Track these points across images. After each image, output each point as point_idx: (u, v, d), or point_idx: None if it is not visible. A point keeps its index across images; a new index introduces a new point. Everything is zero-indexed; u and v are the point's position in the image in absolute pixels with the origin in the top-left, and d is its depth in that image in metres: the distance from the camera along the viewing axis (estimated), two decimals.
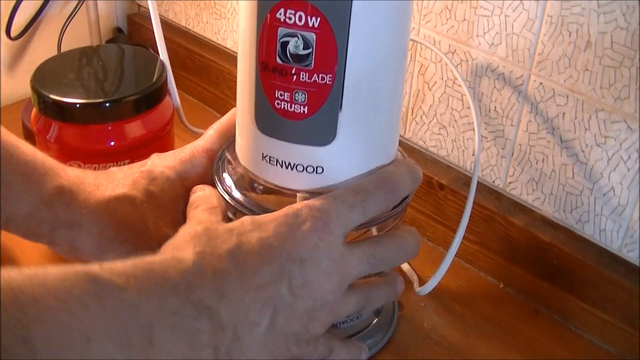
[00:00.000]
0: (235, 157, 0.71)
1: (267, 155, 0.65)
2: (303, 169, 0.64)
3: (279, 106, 0.62)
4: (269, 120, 0.63)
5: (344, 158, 0.64)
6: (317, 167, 0.64)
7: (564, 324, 0.82)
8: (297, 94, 0.61)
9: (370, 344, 0.77)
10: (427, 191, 0.90)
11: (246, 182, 0.70)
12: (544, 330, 0.82)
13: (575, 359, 0.79)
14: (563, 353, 0.79)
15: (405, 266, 0.87)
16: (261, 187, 0.69)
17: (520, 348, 0.79)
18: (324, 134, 0.63)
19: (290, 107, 0.62)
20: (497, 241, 0.85)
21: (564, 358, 0.79)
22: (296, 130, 0.63)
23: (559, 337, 0.81)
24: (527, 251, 0.83)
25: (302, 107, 0.61)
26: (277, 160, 0.65)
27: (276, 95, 0.62)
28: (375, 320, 0.79)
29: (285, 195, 0.67)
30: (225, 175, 0.71)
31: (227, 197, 0.69)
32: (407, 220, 0.93)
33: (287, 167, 0.65)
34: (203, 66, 1.14)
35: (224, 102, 1.12)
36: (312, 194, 0.66)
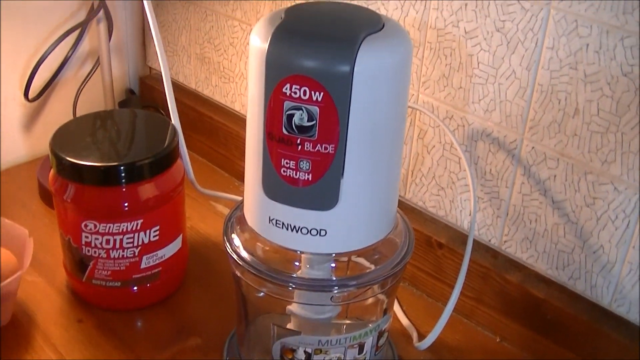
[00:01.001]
0: (242, 220, 0.75)
1: (273, 219, 0.69)
2: (307, 232, 0.68)
3: (285, 173, 0.66)
4: (276, 186, 0.68)
5: (346, 221, 0.68)
6: (320, 230, 0.68)
7: None
8: (301, 162, 0.65)
9: None
10: (426, 249, 0.94)
11: (253, 243, 0.74)
12: None
13: None
14: None
15: (405, 321, 0.91)
16: (267, 249, 0.73)
17: None
18: (327, 199, 0.67)
19: (295, 174, 0.66)
20: (493, 297, 0.89)
21: None
22: (301, 195, 0.67)
23: None
24: (522, 306, 0.87)
25: (306, 174, 0.66)
26: (282, 223, 0.69)
27: (282, 163, 0.66)
28: None
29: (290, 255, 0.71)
30: (234, 235, 0.75)
31: (235, 256, 0.73)
32: (407, 277, 0.97)
33: (292, 230, 0.69)
34: (212, 128, 1.19)
35: (232, 162, 1.16)
36: (316, 255, 0.70)
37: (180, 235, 0.92)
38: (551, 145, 0.81)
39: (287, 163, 0.66)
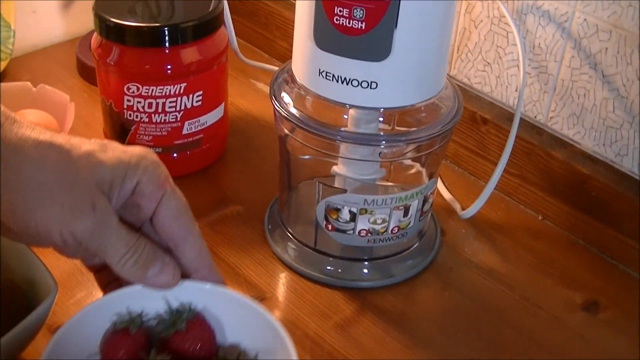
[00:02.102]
0: (289, 80, 0.74)
1: (323, 71, 0.68)
2: (358, 84, 0.67)
3: (337, 22, 0.65)
4: (327, 36, 0.66)
5: (397, 74, 0.67)
6: (371, 83, 0.67)
7: (600, 255, 0.85)
8: (355, 10, 0.64)
9: (412, 264, 0.81)
10: (470, 126, 0.93)
11: (301, 101, 0.73)
12: (581, 261, 0.84)
13: (610, 288, 0.81)
14: (599, 283, 0.82)
15: (447, 195, 0.90)
16: (315, 106, 0.72)
17: (557, 276, 0.82)
18: (380, 50, 0.65)
19: (349, 23, 0.65)
20: (537, 174, 0.88)
21: (599, 287, 0.81)
22: (353, 45, 0.66)
23: (595, 267, 0.84)
24: (566, 184, 0.86)
25: (359, 22, 0.64)
26: (332, 75, 0.68)
27: (335, 12, 0.65)
28: (417, 243, 0.82)
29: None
30: (284, 94, 0.74)
31: (283, 112, 0.72)
32: (450, 154, 0.96)
33: (342, 82, 0.68)
34: (253, 8, 1.17)
35: (273, 42, 1.15)
36: (365, 110, 0.69)
37: (222, 104, 0.91)
38: (604, 17, 0.79)
39: (340, 11, 0.65)
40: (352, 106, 0.70)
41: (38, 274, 0.65)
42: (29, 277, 0.66)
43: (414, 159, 0.78)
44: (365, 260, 0.80)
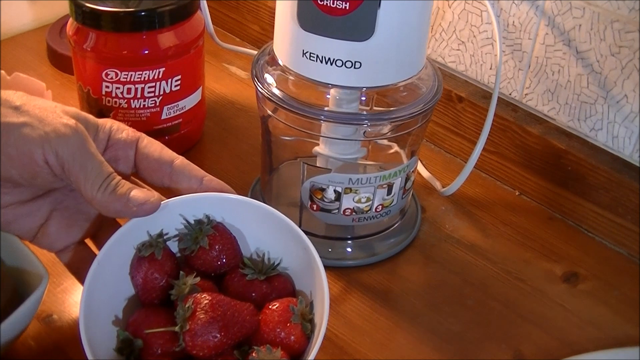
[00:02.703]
0: (270, 63, 0.74)
1: (307, 52, 0.69)
2: (342, 64, 0.68)
3: (322, 3, 0.65)
4: (311, 17, 0.67)
5: (380, 53, 0.68)
6: (355, 62, 0.68)
7: (578, 228, 0.87)
8: None
9: (395, 242, 0.82)
10: (446, 104, 0.94)
11: (284, 82, 0.73)
12: (559, 234, 0.86)
13: (589, 260, 0.83)
14: (577, 254, 0.84)
15: (425, 174, 0.91)
16: (298, 86, 0.72)
17: (537, 249, 0.84)
18: (364, 30, 0.66)
19: (333, 4, 0.65)
20: (514, 150, 0.90)
21: (578, 259, 0.83)
22: (337, 25, 0.66)
23: (573, 240, 0.86)
24: (542, 159, 0.87)
25: (343, 3, 0.65)
26: (317, 56, 0.68)
27: None
28: (399, 222, 0.83)
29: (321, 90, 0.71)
30: (266, 75, 0.74)
31: (267, 93, 0.72)
32: (427, 133, 0.97)
33: (326, 62, 0.68)
34: None
35: (245, 26, 1.14)
36: (347, 90, 0.70)
37: (200, 88, 0.91)
38: None
39: None
40: (334, 86, 0.70)
41: (27, 263, 0.65)
42: (17, 266, 0.66)
43: (394, 139, 0.78)
44: (349, 239, 0.81)
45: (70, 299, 0.75)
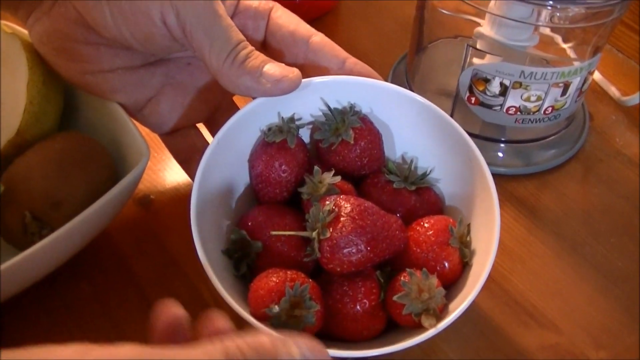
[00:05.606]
0: None
1: None
2: None
3: None
4: None
5: None
6: None
7: None
8: None
9: (557, 152, 0.69)
10: None
11: None
12: None
13: None
14: None
15: (597, 76, 0.77)
16: None
17: None
18: None
19: None
20: None
21: None
22: None
23: None
24: None
25: None
26: None
27: None
28: (563, 129, 0.70)
29: None
30: None
31: None
32: None
33: None
34: None
35: None
36: None
37: None
38: None
39: None
40: None
41: (128, 137, 0.55)
42: (116, 138, 0.56)
43: (581, 30, 0.64)
44: (502, 142, 0.68)
45: (169, 177, 0.64)
